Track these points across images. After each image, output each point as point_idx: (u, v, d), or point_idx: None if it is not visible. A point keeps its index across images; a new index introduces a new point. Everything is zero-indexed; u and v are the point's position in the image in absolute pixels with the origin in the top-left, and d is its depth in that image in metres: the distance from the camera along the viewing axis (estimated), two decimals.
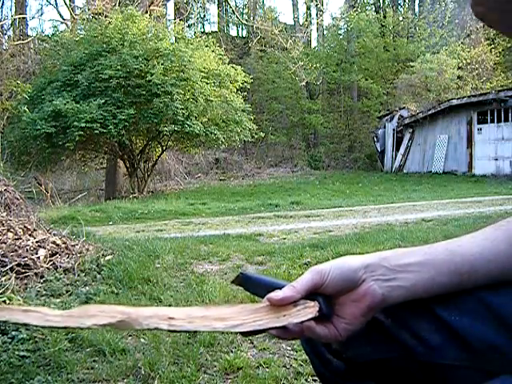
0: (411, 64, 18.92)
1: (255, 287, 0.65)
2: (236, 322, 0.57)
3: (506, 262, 0.62)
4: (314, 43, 28.12)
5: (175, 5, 23.19)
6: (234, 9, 24.19)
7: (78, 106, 11.41)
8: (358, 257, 0.65)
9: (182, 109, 12.06)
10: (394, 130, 17.70)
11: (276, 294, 0.60)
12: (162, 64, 12.09)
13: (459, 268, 0.62)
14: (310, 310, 0.59)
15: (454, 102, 15.86)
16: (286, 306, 0.60)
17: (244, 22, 22.72)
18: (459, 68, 19.13)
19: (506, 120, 15.10)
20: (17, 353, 2.02)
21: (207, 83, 12.84)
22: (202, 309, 0.59)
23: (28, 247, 3.12)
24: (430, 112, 16.45)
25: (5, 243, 3.03)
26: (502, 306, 0.58)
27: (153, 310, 0.56)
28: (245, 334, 0.60)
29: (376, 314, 0.62)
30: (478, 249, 0.63)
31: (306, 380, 1.87)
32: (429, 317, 0.61)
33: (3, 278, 2.70)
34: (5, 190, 3.76)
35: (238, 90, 14.12)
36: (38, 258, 3.08)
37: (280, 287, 0.64)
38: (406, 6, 26.42)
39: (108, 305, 0.57)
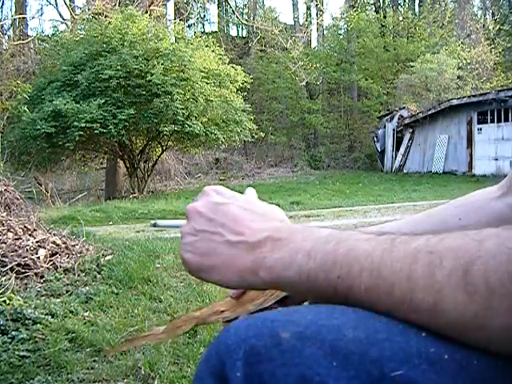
0: (411, 64, 18.90)
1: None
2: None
3: None
4: (314, 43, 28.15)
5: (175, 5, 23.17)
6: (234, 9, 24.16)
7: (78, 106, 11.41)
8: None
9: (182, 109, 12.05)
10: (393, 130, 17.69)
11: (237, 291, 0.59)
12: (162, 64, 12.09)
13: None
14: (276, 293, 0.59)
15: (454, 101, 15.85)
16: (251, 297, 0.59)
17: (244, 22, 22.70)
18: (459, 68, 19.12)
19: (506, 120, 15.09)
20: (17, 353, 2.02)
21: (207, 83, 12.84)
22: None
23: (28, 247, 3.12)
24: (430, 112, 16.44)
25: (5, 243, 3.03)
26: None
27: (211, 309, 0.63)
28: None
29: None
30: None
31: None
32: None
33: (3, 278, 2.69)
34: (5, 189, 3.75)
35: (237, 90, 14.11)
36: (38, 257, 3.08)
37: None
38: (406, 5, 26.43)
39: (184, 314, 0.66)
